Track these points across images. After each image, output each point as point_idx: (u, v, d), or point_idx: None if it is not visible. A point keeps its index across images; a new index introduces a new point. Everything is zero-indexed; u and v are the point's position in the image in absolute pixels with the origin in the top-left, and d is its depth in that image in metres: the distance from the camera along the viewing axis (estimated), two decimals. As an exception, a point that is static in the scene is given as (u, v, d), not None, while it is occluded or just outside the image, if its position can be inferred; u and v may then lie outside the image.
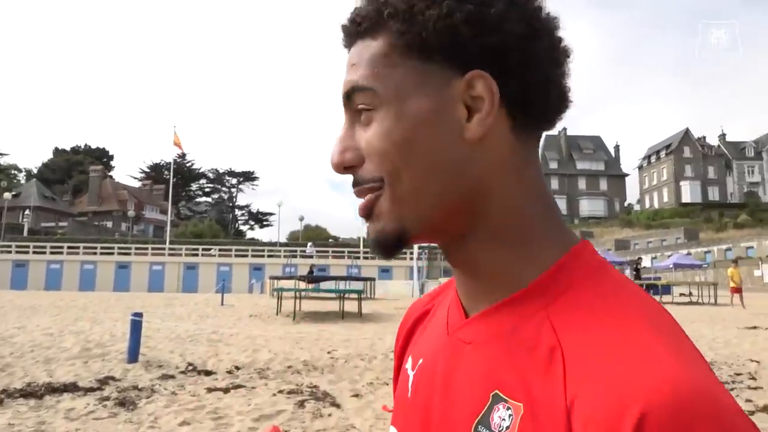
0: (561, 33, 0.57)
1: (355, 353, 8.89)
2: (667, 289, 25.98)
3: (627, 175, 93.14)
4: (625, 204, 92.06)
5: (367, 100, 0.55)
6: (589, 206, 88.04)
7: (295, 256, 38.62)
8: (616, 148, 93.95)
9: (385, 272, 36.88)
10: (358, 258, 38.29)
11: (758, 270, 39.97)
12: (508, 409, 0.50)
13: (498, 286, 0.56)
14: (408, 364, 0.67)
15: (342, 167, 0.57)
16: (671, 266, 34.66)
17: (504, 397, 0.51)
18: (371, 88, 0.55)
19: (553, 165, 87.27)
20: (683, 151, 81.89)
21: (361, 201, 0.58)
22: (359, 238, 50.58)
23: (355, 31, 0.58)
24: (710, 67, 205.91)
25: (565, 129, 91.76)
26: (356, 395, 6.00)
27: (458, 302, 0.62)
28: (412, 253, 34.30)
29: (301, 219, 65.76)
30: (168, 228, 49.65)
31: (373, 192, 0.56)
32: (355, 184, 0.57)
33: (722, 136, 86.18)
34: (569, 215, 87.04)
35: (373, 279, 26.59)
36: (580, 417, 0.44)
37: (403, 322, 0.77)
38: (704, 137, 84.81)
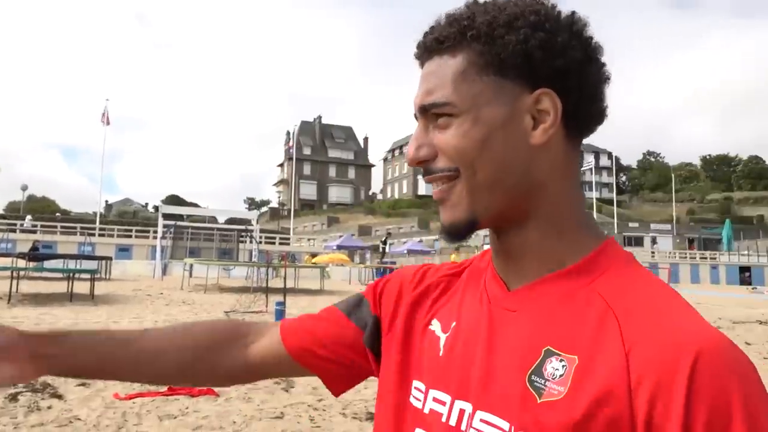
0: (604, 58, 0.69)
1: (83, 338, 8.15)
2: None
3: (373, 165, 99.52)
4: (370, 193, 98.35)
5: (445, 111, 0.66)
6: (337, 193, 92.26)
7: (14, 231, 33.71)
8: (365, 139, 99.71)
9: (124, 251, 34.12)
10: (93, 235, 34.79)
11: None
12: (561, 360, 0.60)
13: (543, 265, 0.68)
14: (434, 327, 0.76)
15: (416, 160, 0.68)
16: (405, 252, 38.00)
17: (557, 351, 0.61)
18: (450, 102, 0.66)
19: (307, 151, 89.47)
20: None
21: (436, 191, 0.69)
22: (95, 213, 46.01)
23: (437, 48, 0.68)
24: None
25: (320, 116, 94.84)
26: (83, 384, 5.50)
27: (497, 278, 0.72)
28: (155, 232, 32.33)
29: (24, 188, 57.71)
30: None
31: (450, 180, 0.67)
32: (428, 173, 0.69)
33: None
34: (319, 200, 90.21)
35: (110, 258, 24.44)
36: (640, 359, 0.55)
37: (406, 279, 0.84)
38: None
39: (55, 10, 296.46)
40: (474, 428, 0.64)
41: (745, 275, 47.07)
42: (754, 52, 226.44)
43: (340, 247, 41.15)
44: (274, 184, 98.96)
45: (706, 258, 49.81)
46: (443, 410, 0.69)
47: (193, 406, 4.93)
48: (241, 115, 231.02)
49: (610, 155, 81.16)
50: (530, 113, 0.66)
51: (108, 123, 40.05)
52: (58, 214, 56.17)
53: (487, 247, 0.80)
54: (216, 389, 5.45)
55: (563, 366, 0.60)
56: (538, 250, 0.68)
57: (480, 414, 0.65)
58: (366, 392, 5.18)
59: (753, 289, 36.23)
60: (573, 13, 0.68)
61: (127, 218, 60.52)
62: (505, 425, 0.61)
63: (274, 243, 40.18)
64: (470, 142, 0.65)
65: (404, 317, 0.81)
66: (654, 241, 59.43)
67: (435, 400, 0.70)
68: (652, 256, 48.32)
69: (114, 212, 74.95)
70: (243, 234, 32.85)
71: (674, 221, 65.08)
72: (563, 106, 0.65)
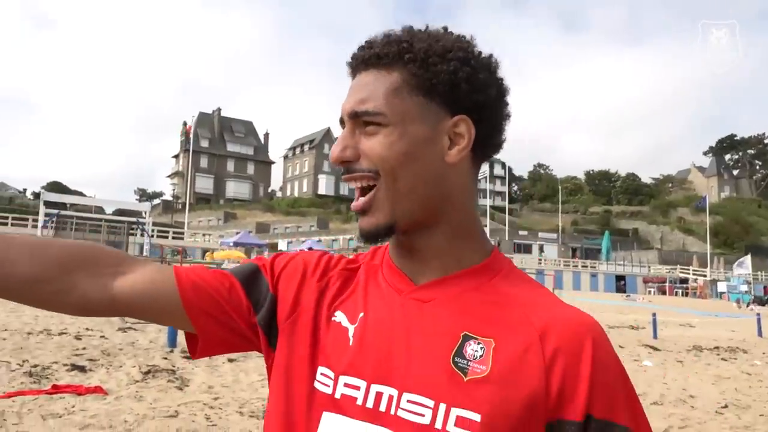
0: (508, 97, 0.81)
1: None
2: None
3: (273, 162, 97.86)
4: (269, 190, 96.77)
5: (374, 120, 0.74)
6: (235, 188, 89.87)
7: None
8: (266, 135, 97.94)
9: None
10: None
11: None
12: (479, 344, 0.71)
13: (446, 265, 0.78)
14: (339, 318, 0.80)
15: (341, 159, 0.75)
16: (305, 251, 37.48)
17: (474, 335, 0.72)
18: (382, 113, 0.74)
19: (205, 143, 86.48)
20: (324, 147, 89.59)
21: (356, 202, 0.76)
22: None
23: (374, 62, 0.76)
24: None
25: (219, 109, 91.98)
26: (-46, 382, 5.13)
27: (401, 274, 0.80)
28: (35, 220, 30.19)
29: None
30: None
31: (367, 181, 0.75)
32: (348, 172, 0.76)
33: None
34: (215, 194, 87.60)
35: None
36: (552, 341, 0.70)
37: (308, 266, 0.86)
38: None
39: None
40: (403, 409, 0.70)
41: (620, 283, 50.88)
42: (636, 76, 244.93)
43: (236, 244, 40.21)
44: (168, 176, 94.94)
45: (587, 266, 53.24)
46: (358, 394, 0.73)
47: (80, 404, 4.73)
48: (133, 102, 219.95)
49: (503, 165, 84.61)
50: (448, 134, 0.76)
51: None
52: None
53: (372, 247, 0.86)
54: (104, 388, 5.26)
55: (482, 348, 0.71)
56: (443, 251, 0.78)
57: (407, 395, 0.71)
58: (263, 391, 5.18)
59: (627, 296, 39.23)
60: (491, 55, 0.79)
61: (2, 204, 56.00)
62: (430, 403, 0.69)
63: (167, 237, 38.72)
64: (394, 152, 0.74)
65: (311, 306, 0.82)
66: (541, 249, 62.73)
67: (347, 385, 0.74)
68: (540, 263, 51.03)
69: (-13, 197, 69.09)
70: (134, 226, 31.40)
71: (560, 231, 68.93)
72: (475, 133, 0.76)
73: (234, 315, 0.82)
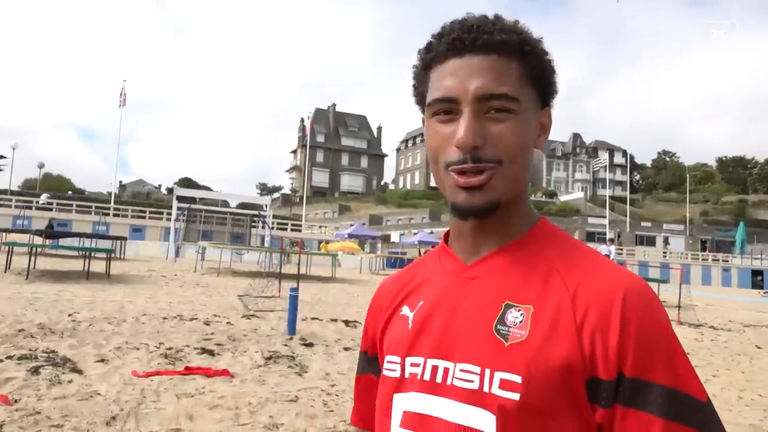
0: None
1: (101, 316, 8.29)
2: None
3: (386, 155, 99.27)
4: (382, 182, 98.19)
5: (507, 106, 0.76)
6: (349, 181, 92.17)
7: (30, 208, 34.07)
8: (379, 129, 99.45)
9: (138, 232, 34.47)
10: (108, 215, 35.13)
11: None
12: (519, 310, 0.75)
13: (505, 238, 0.83)
14: (404, 311, 0.87)
15: (473, 146, 0.75)
16: (416, 242, 37.88)
17: (514, 304, 0.76)
18: (518, 98, 0.76)
19: (320, 138, 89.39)
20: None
21: (474, 177, 0.76)
22: (110, 194, 46.38)
23: (497, 48, 0.77)
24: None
25: (334, 105, 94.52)
26: (102, 360, 5.63)
27: (454, 256, 0.86)
28: (169, 213, 32.57)
29: (41, 166, 58.10)
30: None
31: (492, 168, 0.76)
32: (476, 160, 0.76)
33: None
34: (331, 188, 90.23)
35: (125, 238, 24.70)
36: (583, 301, 0.73)
37: (381, 295, 0.96)
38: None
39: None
40: (456, 378, 0.75)
41: (757, 279, 46.68)
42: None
43: (351, 236, 41.23)
44: (287, 171, 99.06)
45: (718, 260, 49.44)
46: (418, 370, 0.79)
47: (210, 386, 5.03)
48: (255, 100, 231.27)
49: (624, 153, 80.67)
50: (540, 124, 0.83)
51: (124, 104, 40.27)
52: (70, 192, 56.42)
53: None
54: (230, 371, 5.57)
55: (521, 314, 0.75)
56: (505, 227, 0.83)
57: (459, 366, 0.76)
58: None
59: (765, 293, 35.97)
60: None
61: (141, 199, 60.91)
62: (477, 369, 0.74)
63: (285, 229, 40.33)
64: (521, 141, 0.77)
65: (374, 326, 0.94)
66: (666, 241, 59.04)
67: (412, 365, 0.81)
68: (664, 256, 48.06)
69: (128, 193, 75.43)
70: (255, 219, 33.02)
71: (687, 222, 64.61)
72: None
73: None
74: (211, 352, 6.38)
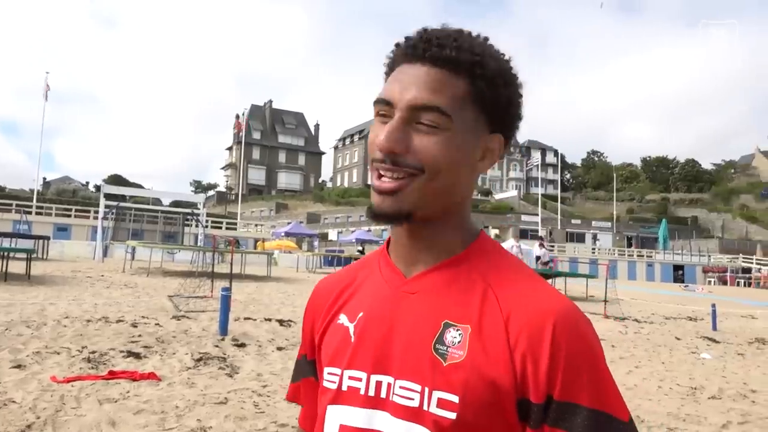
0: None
1: (19, 319, 7.87)
2: (348, 261, 28.45)
3: (324, 153, 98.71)
4: (320, 180, 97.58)
5: (437, 120, 0.76)
6: (286, 179, 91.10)
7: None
8: (317, 126, 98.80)
9: (63, 231, 32.95)
10: (30, 213, 33.39)
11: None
12: (458, 330, 0.76)
13: (441, 253, 0.83)
14: (342, 320, 0.88)
15: (391, 150, 0.76)
16: (354, 240, 37.89)
17: (453, 323, 0.77)
18: (449, 115, 0.76)
19: (257, 135, 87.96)
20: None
21: (388, 183, 0.77)
22: (32, 191, 44.09)
23: (445, 63, 0.77)
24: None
25: (270, 101, 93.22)
26: (18, 366, 5.34)
27: (395, 268, 0.86)
28: (96, 212, 31.27)
29: (-44, 162, 54.63)
30: None
31: (410, 177, 0.77)
32: (394, 164, 0.77)
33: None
34: (267, 186, 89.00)
35: (48, 238, 23.58)
36: (516, 326, 0.74)
37: (318, 298, 0.96)
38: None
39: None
40: (396, 395, 0.77)
41: (678, 273, 49.18)
42: (696, 61, 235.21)
43: (288, 234, 40.78)
44: (222, 168, 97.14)
45: (642, 256, 51.74)
46: (360, 385, 0.80)
47: (135, 390, 4.85)
48: (189, 96, 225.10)
49: (556, 152, 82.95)
50: (482, 147, 0.82)
51: (47, 98, 38.44)
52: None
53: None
54: (158, 374, 5.38)
55: (459, 334, 0.76)
56: (441, 242, 0.83)
57: (399, 382, 0.77)
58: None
59: (685, 287, 37.88)
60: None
61: (66, 197, 58.17)
62: (418, 387, 0.76)
63: (220, 227, 39.54)
64: (447, 157, 0.77)
65: (320, 327, 0.93)
66: (595, 237, 61.31)
67: (351, 378, 0.82)
68: (593, 253, 49.88)
69: (52, 190, 71.94)
70: (188, 217, 32.19)
71: (614, 219, 67.18)
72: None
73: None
74: (137, 355, 6.16)
